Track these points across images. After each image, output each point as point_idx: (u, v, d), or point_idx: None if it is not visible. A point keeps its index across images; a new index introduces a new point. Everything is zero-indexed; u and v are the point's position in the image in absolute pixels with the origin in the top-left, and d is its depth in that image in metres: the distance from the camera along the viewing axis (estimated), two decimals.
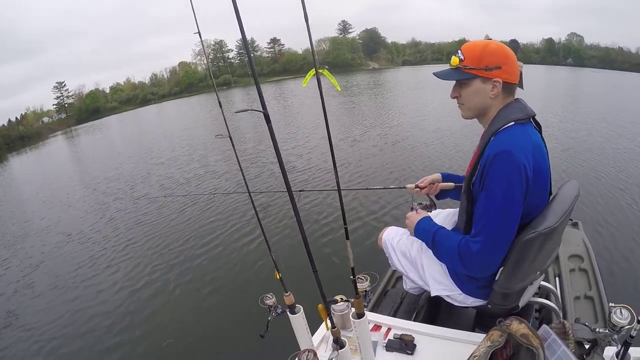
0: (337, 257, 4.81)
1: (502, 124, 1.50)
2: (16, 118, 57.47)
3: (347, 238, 1.26)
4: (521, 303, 1.72)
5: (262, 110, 0.90)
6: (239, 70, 71.03)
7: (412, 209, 2.04)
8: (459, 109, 1.68)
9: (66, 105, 67.94)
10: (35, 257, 7.01)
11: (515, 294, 1.65)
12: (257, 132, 15.08)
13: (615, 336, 1.28)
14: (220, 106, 1.69)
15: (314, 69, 1.04)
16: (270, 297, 1.52)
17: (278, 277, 1.47)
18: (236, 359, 3.52)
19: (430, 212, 2.07)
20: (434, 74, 1.66)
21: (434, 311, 2.27)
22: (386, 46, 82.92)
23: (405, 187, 2.16)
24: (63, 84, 68.52)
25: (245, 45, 0.90)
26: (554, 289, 2.19)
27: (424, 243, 1.94)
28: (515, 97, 1.59)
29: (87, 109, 65.36)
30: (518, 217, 1.46)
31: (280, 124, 16.24)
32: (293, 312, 1.45)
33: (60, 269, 6.24)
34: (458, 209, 1.84)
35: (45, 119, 63.56)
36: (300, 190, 2.61)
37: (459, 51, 1.57)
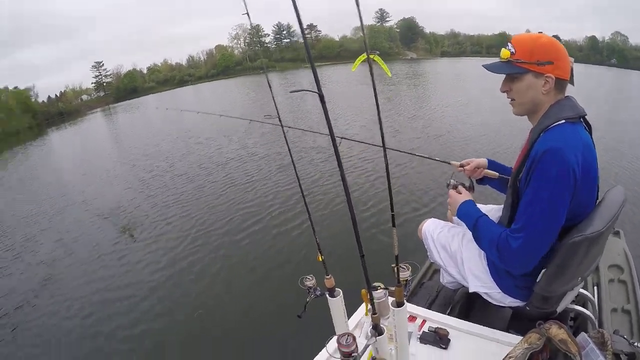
0: (376, 243, 4.82)
1: (552, 121, 1.45)
2: (56, 95, 59.36)
3: (394, 225, 1.24)
4: (559, 308, 1.67)
5: (317, 91, 0.89)
6: (274, 55, 71.34)
7: (447, 185, 2.00)
8: (509, 105, 1.62)
9: (104, 84, 69.93)
10: (73, 230, 7.27)
11: (556, 297, 1.61)
12: (296, 116, 15.09)
13: None
14: (270, 87, 1.67)
15: (364, 54, 1.02)
16: (310, 278, 1.51)
17: (320, 259, 1.47)
18: (272, 337, 3.57)
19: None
20: (483, 66, 1.61)
21: (469, 308, 2.24)
22: (424, 36, 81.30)
23: (449, 163, 2.11)
24: (101, 64, 70.43)
25: (302, 29, 0.89)
26: (592, 297, 2.12)
27: (464, 237, 1.92)
28: (566, 95, 1.53)
29: (125, 88, 67.06)
30: (562, 218, 1.41)
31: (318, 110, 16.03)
32: (332, 295, 1.45)
33: (98, 242, 6.46)
34: (500, 205, 1.81)
35: (84, 97, 65.62)
36: (342, 137, 2.52)
37: (509, 44, 1.52)
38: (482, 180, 2.07)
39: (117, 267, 5.44)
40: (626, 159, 7.90)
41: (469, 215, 1.73)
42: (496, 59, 1.59)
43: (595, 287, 2.35)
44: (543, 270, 1.52)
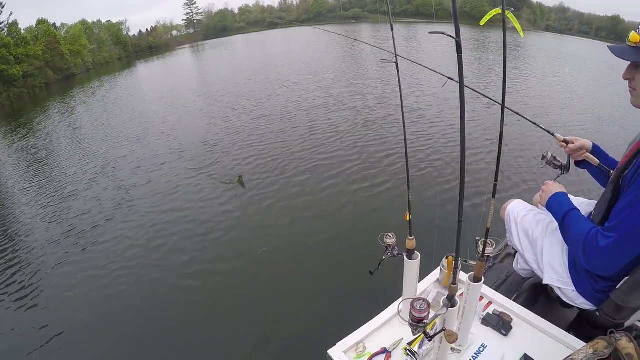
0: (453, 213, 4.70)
1: None
2: (147, 30, 62.02)
3: (494, 196, 1.19)
4: (627, 322, 1.57)
5: (455, 37, 0.82)
6: (370, 5, 69.11)
7: (543, 157, 1.93)
8: (629, 94, 1.44)
9: (195, 21, 71.93)
10: (150, 159, 7.70)
11: (629, 310, 1.51)
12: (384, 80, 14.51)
13: None
14: (392, 29, 1.59)
15: (499, 9, 0.95)
16: (392, 236, 1.48)
17: (408, 218, 1.45)
18: (339, 287, 3.66)
19: (562, 174, 1.93)
20: (609, 47, 1.41)
21: (535, 299, 2.15)
22: (531, 6, 74.53)
23: (554, 135, 1.95)
24: (194, 2, 72.13)
25: None
26: None
27: (550, 225, 1.83)
28: None
29: (215, 26, 68.78)
30: None
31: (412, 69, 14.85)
32: (410, 258, 1.43)
33: (175, 174, 6.79)
34: (591, 201, 1.72)
35: (174, 33, 68.20)
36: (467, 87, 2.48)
37: None
38: (581, 164, 1.92)
39: (194, 201, 5.68)
40: None
41: (561, 206, 1.62)
42: (605, 44, 1.41)
43: None
44: (626, 278, 1.43)
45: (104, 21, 51.72)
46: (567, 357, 1.28)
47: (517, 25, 1.03)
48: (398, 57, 1.54)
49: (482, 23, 1.07)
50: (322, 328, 3.10)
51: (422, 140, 7.16)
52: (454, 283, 1.18)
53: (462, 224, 1.05)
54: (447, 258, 1.35)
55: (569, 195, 1.96)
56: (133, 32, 59.04)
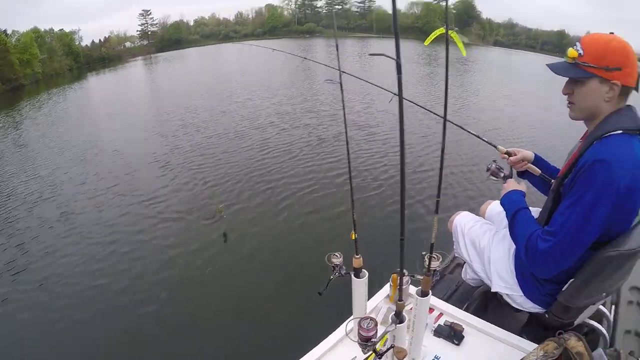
0: (407, 228, 4.75)
1: (609, 130, 1.38)
2: (100, 40, 60.06)
3: (437, 212, 1.21)
4: (577, 321, 1.66)
5: (395, 58, 0.83)
6: (324, 20, 70.06)
7: (487, 169, 2.00)
8: (567, 108, 1.54)
9: (149, 32, 70.43)
10: (105, 180, 7.41)
11: (577, 309, 1.59)
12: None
13: None
14: (337, 48, 1.61)
15: (442, 28, 1.00)
16: (338, 256, 1.47)
17: (354, 237, 1.45)
18: (288, 310, 3.64)
19: (505, 182, 1.97)
20: (547, 65, 1.50)
21: (485, 307, 2.22)
22: (480, 21, 78.02)
23: (496, 147, 2.04)
24: (149, 12, 70.72)
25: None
26: (609, 315, 2.09)
27: (496, 235, 1.91)
28: (627, 104, 1.44)
29: (170, 38, 67.53)
30: (596, 232, 1.37)
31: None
32: (358, 276, 1.43)
33: (125, 196, 6.58)
34: (538, 208, 1.77)
35: (128, 44, 66.44)
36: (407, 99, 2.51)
37: (578, 44, 1.42)
38: (523, 174, 2.00)
39: (140, 228, 5.50)
40: None
41: (514, 204, 1.69)
42: (550, 57, 1.49)
43: (613, 306, 2.30)
44: (571, 280, 1.49)
45: (56, 29, 49.73)
46: None
47: (460, 44, 1.07)
48: (343, 74, 1.55)
49: (426, 43, 1.11)
50: (273, 354, 3.07)
51: (375, 158, 7.39)
52: (400, 299, 1.19)
53: (404, 242, 1.04)
54: (392, 275, 1.36)
55: None
56: (86, 41, 57.29)
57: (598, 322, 1.94)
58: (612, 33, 1.43)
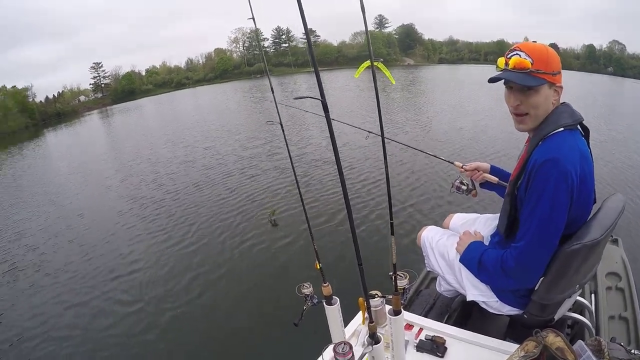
0: (375, 250, 4.80)
1: (552, 129, 1.44)
2: (53, 95, 58.69)
3: (392, 234, 1.24)
4: (557, 316, 1.68)
5: (320, 98, 0.88)
6: (273, 59, 71.26)
7: (452, 185, 2.15)
8: (515, 120, 1.56)
9: (102, 85, 69.46)
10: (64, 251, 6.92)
11: (553, 305, 1.62)
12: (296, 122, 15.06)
13: None
14: (272, 92, 1.65)
15: (368, 61, 1.03)
16: (308, 286, 1.50)
17: (318, 267, 1.47)
18: (268, 345, 3.54)
19: (469, 194, 2.14)
20: (506, 76, 1.47)
21: (466, 316, 2.24)
22: (422, 43, 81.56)
23: (453, 163, 2.20)
24: (100, 65, 70.02)
25: (307, 35, 0.86)
26: (589, 305, 2.14)
27: None
28: (562, 101, 1.52)
29: (123, 90, 66.58)
30: (562, 227, 1.42)
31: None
32: (329, 304, 1.44)
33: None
34: (498, 214, 1.80)
35: (82, 98, 65.24)
36: (339, 121, 2.65)
37: (522, 52, 1.43)
38: (485, 184, 2.10)
39: (106, 279, 5.31)
40: (624, 166, 8.01)
41: (473, 253, 1.76)
42: (493, 65, 1.57)
43: (593, 295, 2.36)
44: (541, 279, 1.52)
45: (9, 87, 48.45)
46: None
47: (387, 73, 1.12)
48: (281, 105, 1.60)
49: (356, 76, 1.15)
50: None
51: (328, 188, 7.48)
52: (371, 322, 1.20)
53: (362, 267, 1.07)
54: (359, 299, 1.38)
55: (475, 215, 2.14)
56: (39, 97, 55.80)
57: (580, 314, 1.97)
58: (535, 41, 1.51)
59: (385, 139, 1.14)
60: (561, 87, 1.46)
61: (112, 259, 5.80)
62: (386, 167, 1.10)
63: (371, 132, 2.49)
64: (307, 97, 0.96)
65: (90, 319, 4.38)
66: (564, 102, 1.51)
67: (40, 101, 55.30)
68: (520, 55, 1.44)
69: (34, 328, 4.34)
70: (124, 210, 7.96)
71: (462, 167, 2.12)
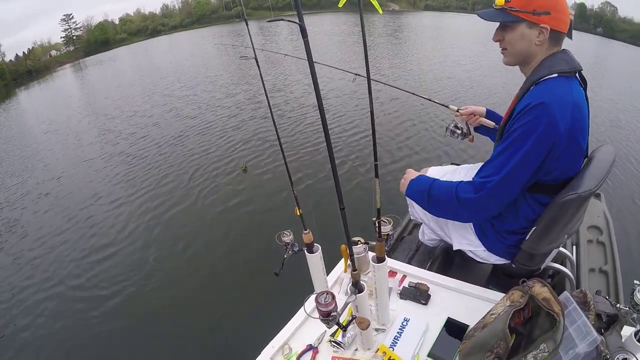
0: (356, 196, 4.79)
1: (545, 74, 1.38)
2: (23, 53, 55.65)
3: (377, 176, 1.18)
4: (542, 265, 1.69)
5: (298, 22, 0.76)
6: (252, 3, 68.50)
7: (446, 129, 2.04)
8: (501, 54, 1.54)
9: (74, 37, 65.95)
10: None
11: (541, 255, 1.62)
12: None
13: (635, 315, 1.22)
14: (247, 23, 1.52)
15: None
16: (288, 234, 1.45)
17: (298, 213, 1.41)
18: (249, 296, 3.54)
19: (465, 139, 2.05)
20: (477, 13, 1.51)
21: (449, 263, 2.25)
22: None
23: (448, 107, 2.09)
24: (71, 16, 65.92)
25: None
26: (571, 256, 2.16)
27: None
28: (562, 48, 1.45)
29: (96, 40, 63.49)
30: (531, 172, 1.39)
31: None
32: (311, 251, 1.40)
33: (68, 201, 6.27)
34: (478, 163, 1.74)
35: (53, 52, 61.98)
36: (323, 64, 2.58)
37: None
38: (480, 129, 2.04)
39: (86, 227, 5.31)
40: (609, 123, 8.03)
41: (421, 184, 1.71)
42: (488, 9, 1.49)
43: (574, 247, 2.39)
44: (533, 229, 1.51)
45: None
46: (487, 313, 1.32)
47: (375, 4, 1.01)
48: (258, 50, 1.48)
49: (340, 5, 1.04)
50: (243, 342, 2.99)
51: (308, 132, 7.32)
52: (354, 270, 1.15)
53: (344, 211, 1.01)
54: (341, 246, 1.33)
55: (453, 167, 2.09)
56: (9, 56, 53.03)
57: (562, 265, 1.99)
58: None
59: (372, 81, 1.06)
60: (548, 30, 1.37)
61: (88, 208, 5.75)
62: (371, 104, 1.01)
63: (358, 75, 2.34)
64: (282, 20, 0.85)
65: (64, 278, 4.36)
66: (564, 49, 1.45)
67: (10, 60, 52.72)
68: None
69: None
70: (101, 167, 7.71)
71: (457, 111, 2.02)
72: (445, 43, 21.45)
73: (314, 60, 0.79)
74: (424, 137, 6.75)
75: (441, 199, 1.60)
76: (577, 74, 1.44)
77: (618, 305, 1.25)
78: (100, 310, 3.74)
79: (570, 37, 1.44)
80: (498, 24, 1.48)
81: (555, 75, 1.37)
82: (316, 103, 0.80)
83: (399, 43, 21.57)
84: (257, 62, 1.48)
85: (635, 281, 1.25)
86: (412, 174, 1.83)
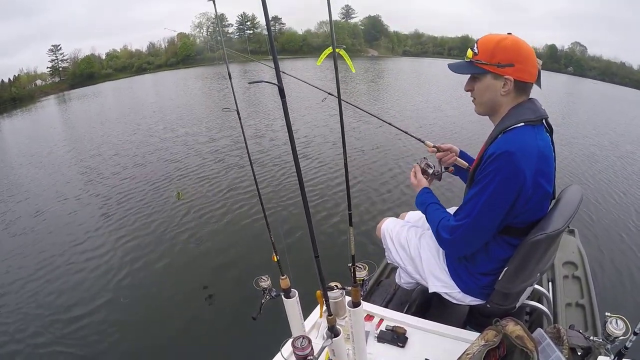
0: (333, 242, 4.78)
1: (512, 123, 1.46)
2: (9, 79, 55.17)
3: (351, 224, 1.22)
4: (517, 304, 1.72)
5: (277, 83, 0.84)
6: (237, 45, 69.92)
7: (417, 163, 1.97)
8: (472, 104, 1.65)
9: (60, 69, 66.08)
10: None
11: (515, 294, 1.66)
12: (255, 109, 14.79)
13: (609, 346, 1.27)
14: (230, 78, 1.59)
15: (330, 48, 1.01)
16: (265, 279, 1.47)
17: (275, 259, 1.44)
18: (227, 341, 3.46)
19: (435, 179, 1.99)
20: (448, 65, 1.62)
21: (426, 305, 2.26)
22: (388, 35, 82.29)
23: (424, 142, 2.02)
24: (59, 47, 66.44)
25: (267, 20, 0.84)
26: (547, 293, 2.20)
27: (423, 237, 1.96)
28: (530, 97, 1.54)
29: (82, 73, 63.53)
30: (499, 217, 1.46)
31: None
32: (288, 297, 1.41)
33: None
34: (454, 207, 1.80)
35: (39, 82, 61.87)
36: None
37: (475, 44, 1.53)
38: (453, 169, 2.05)
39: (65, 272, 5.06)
40: (579, 160, 8.36)
41: (423, 200, 1.81)
42: (456, 60, 1.61)
43: (550, 283, 2.45)
44: (505, 269, 1.55)
45: None
46: (463, 353, 1.34)
47: (349, 61, 1.10)
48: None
49: (318, 63, 1.12)
50: None
51: (278, 181, 7.34)
52: (330, 314, 1.18)
53: (319, 259, 1.05)
54: (317, 292, 1.36)
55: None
56: None
57: (538, 301, 2.03)
58: (510, 33, 1.52)
59: (344, 104, 1.12)
60: (512, 81, 1.46)
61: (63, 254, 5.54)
62: (345, 154, 1.07)
63: (330, 94, 2.30)
64: (263, 82, 0.92)
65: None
66: (530, 98, 1.54)
67: None
68: (473, 47, 1.54)
69: None
70: (79, 208, 7.42)
71: (433, 147, 1.98)
72: (426, 88, 22.23)
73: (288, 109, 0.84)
74: (396, 177, 6.95)
75: (429, 222, 1.72)
76: (543, 121, 1.52)
77: (592, 337, 1.29)
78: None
79: (539, 85, 1.53)
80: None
81: (522, 124, 1.45)
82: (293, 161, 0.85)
83: (379, 89, 22.23)
84: (238, 115, 1.54)
85: (606, 313, 1.30)
86: (421, 182, 1.90)
